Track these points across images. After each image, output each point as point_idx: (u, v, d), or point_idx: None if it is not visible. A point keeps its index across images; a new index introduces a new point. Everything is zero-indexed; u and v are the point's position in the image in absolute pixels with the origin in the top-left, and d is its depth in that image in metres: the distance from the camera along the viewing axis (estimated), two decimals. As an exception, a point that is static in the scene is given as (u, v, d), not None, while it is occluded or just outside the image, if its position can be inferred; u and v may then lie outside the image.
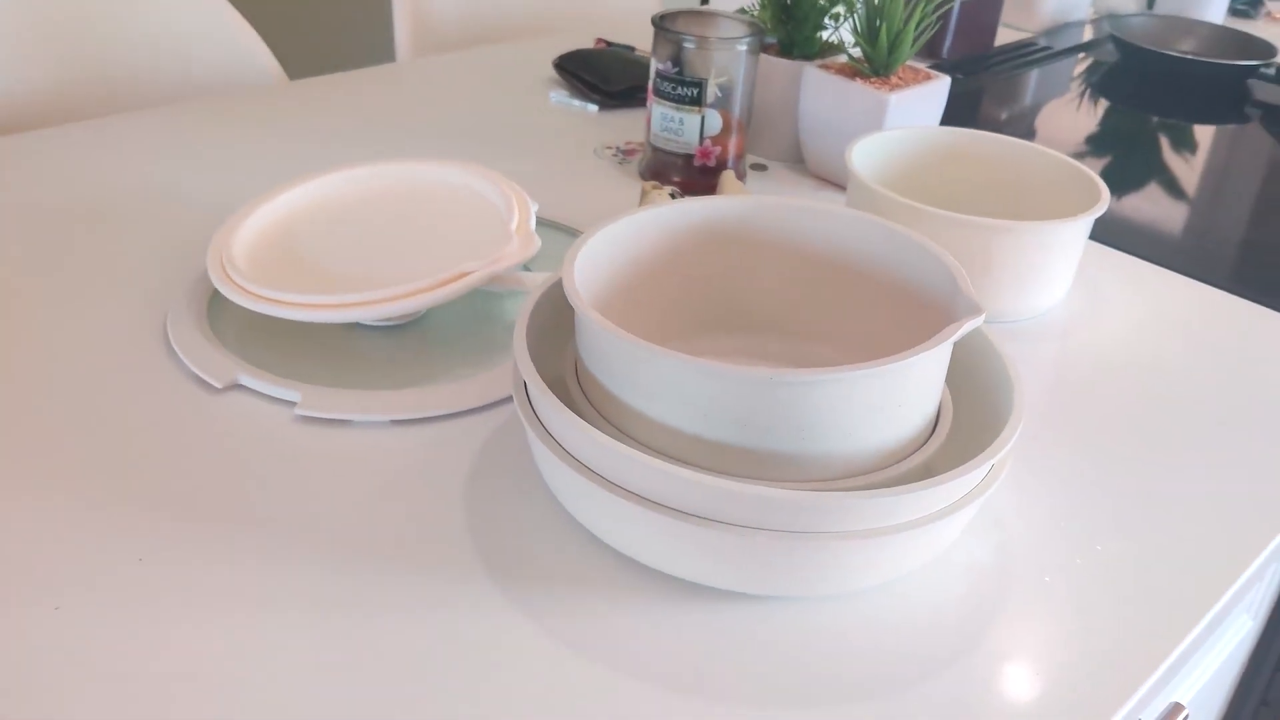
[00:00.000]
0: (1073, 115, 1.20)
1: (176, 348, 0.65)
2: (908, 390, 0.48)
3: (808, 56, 0.94)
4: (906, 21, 0.86)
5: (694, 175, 0.89)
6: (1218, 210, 0.99)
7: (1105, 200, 0.74)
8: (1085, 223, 0.73)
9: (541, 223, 0.83)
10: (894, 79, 0.89)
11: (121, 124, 0.96)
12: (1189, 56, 1.31)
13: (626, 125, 1.04)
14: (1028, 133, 1.14)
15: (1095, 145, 1.12)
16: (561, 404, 0.48)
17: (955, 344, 0.58)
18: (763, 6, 0.93)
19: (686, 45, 0.84)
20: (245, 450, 0.58)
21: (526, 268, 0.75)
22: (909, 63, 0.92)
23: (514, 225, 0.67)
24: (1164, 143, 1.14)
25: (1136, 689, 0.48)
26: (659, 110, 0.87)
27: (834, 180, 0.94)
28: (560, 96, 1.08)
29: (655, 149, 0.90)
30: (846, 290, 0.60)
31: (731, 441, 0.47)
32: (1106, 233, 0.90)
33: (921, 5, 0.87)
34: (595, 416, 0.51)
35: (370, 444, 0.59)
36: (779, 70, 0.93)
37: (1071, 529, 0.57)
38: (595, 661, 0.47)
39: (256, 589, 0.49)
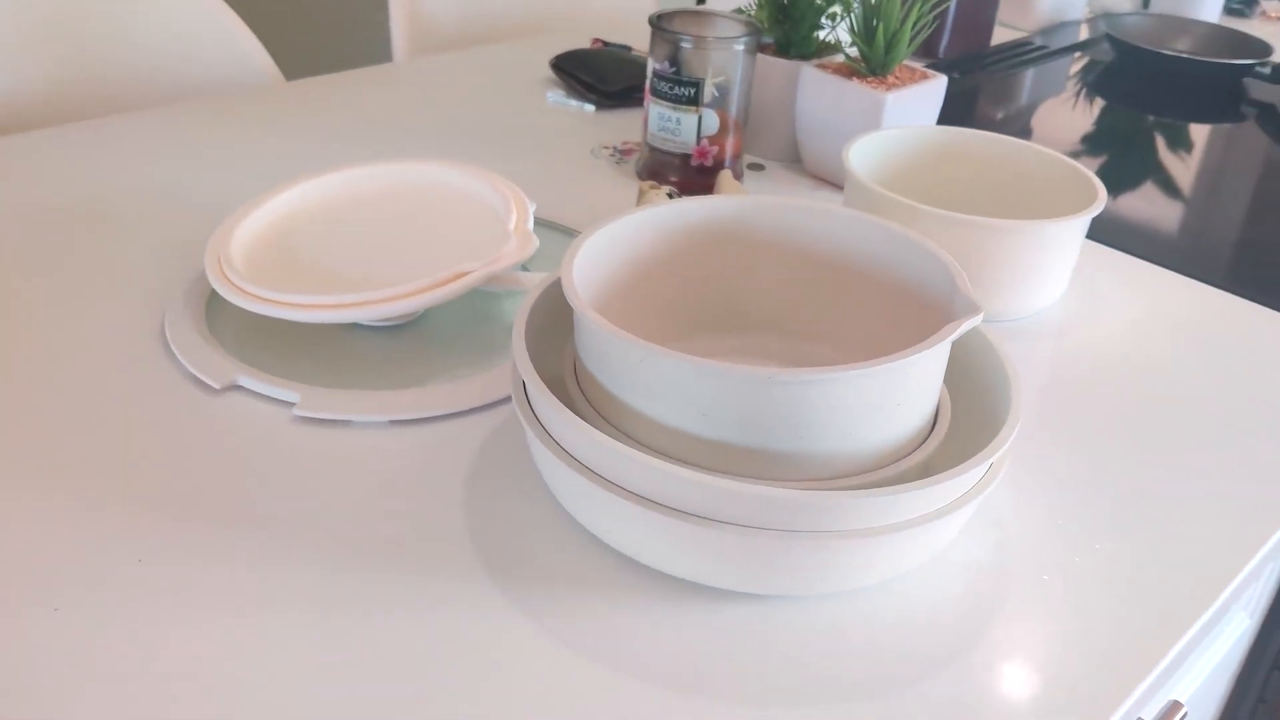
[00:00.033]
0: (1069, 114, 1.20)
1: (175, 349, 0.64)
2: (906, 389, 0.48)
3: (805, 56, 0.94)
4: (903, 21, 0.87)
5: (691, 175, 0.89)
6: (1213, 209, 0.99)
7: (1102, 199, 0.74)
8: (1082, 222, 0.73)
9: (539, 223, 0.83)
10: (891, 78, 0.89)
11: (120, 124, 0.96)
12: (1184, 55, 1.31)
13: (623, 125, 1.04)
14: (1024, 132, 1.14)
15: (1091, 144, 1.12)
16: (560, 404, 0.48)
17: (954, 343, 0.58)
18: (760, 6, 0.93)
19: (684, 45, 0.84)
20: (244, 451, 0.58)
21: (524, 268, 0.75)
22: (905, 62, 0.92)
23: (512, 225, 0.67)
24: (1160, 142, 1.14)
25: (1135, 687, 0.48)
26: (656, 110, 0.87)
27: (831, 180, 0.94)
28: (557, 96, 1.08)
29: (652, 149, 0.90)
30: (845, 290, 0.61)
31: (731, 441, 0.47)
32: (1103, 231, 0.90)
33: (918, 5, 0.87)
34: (594, 416, 0.51)
35: (369, 444, 0.59)
36: (776, 70, 0.93)
37: (1069, 528, 0.57)
38: (595, 661, 0.47)
39: (256, 589, 0.49)
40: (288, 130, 0.97)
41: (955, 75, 1.27)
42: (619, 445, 0.46)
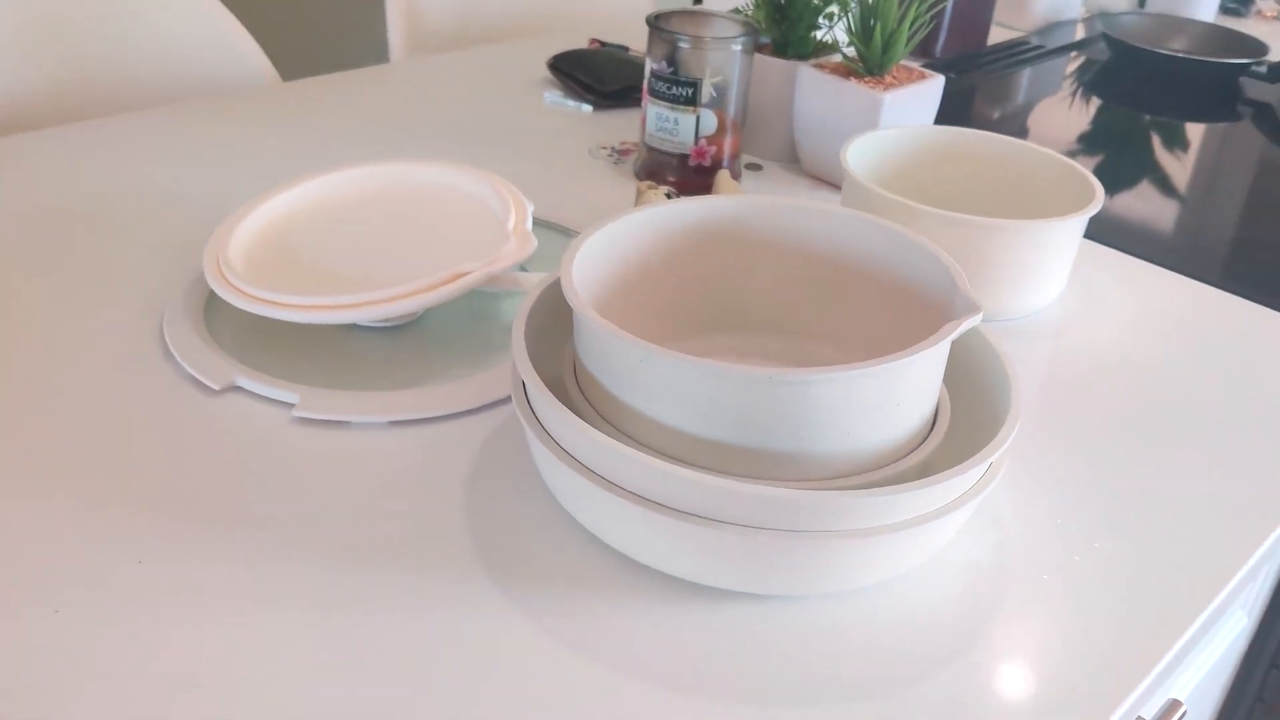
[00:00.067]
0: (1065, 114, 1.20)
1: (174, 350, 0.64)
2: (906, 389, 0.48)
3: (802, 56, 0.94)
4: (900, 21, 0.87)
5: (689, 175, 0.89)
6: (1210, 208, 0.99)
7: (1100, 199, 0.74)
8: (1080, 221, 0.73)
9: (537, 223, 0.83)
10: (888, 78, 0.89)
11: (119, 124, 0.96)
12: (1180, 55, 1.31)
13: (621, 125, 1.04)
14: (1021, 131, 1.14)
15: (1088, 143, 1.12)
16: (560, 404, 0.49)
17: (953, 343, 0.58)
18: (757, 6, 0.93)
19: (681, 45, 0.84)
20: (244, 452, 0.58)
21: (523, 268, 0.75)
22: (903, 62, 0.92)
23: (511, 225, 0.67)
24: (1156, 141, 1.14)
25: (1134, 686, 0.48)
26: (654, 110, 0.87)
27: (829, 179, 0.94)
28: (555, 97, 1.08)
29: (650, 149, 0.90)
30: (844, 290, 0.61)
31: (731, 441, 0.47)
32: (1100, 231, 0.91)
33: (915, 5, 0.87)
34: (594, 416, 0.51)
35: (369, 445, 0.59)
36: (774, 70, 0.93)
37: (1068, 528, 0.57)
38: (595, 661, 0.47)
39: (256, 589, 0.49)
40: (286, 131, 0.97)
41: (952, 75, 1.27)
42: (619, 445, 0.46)
